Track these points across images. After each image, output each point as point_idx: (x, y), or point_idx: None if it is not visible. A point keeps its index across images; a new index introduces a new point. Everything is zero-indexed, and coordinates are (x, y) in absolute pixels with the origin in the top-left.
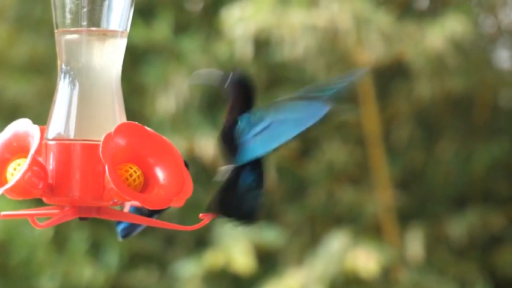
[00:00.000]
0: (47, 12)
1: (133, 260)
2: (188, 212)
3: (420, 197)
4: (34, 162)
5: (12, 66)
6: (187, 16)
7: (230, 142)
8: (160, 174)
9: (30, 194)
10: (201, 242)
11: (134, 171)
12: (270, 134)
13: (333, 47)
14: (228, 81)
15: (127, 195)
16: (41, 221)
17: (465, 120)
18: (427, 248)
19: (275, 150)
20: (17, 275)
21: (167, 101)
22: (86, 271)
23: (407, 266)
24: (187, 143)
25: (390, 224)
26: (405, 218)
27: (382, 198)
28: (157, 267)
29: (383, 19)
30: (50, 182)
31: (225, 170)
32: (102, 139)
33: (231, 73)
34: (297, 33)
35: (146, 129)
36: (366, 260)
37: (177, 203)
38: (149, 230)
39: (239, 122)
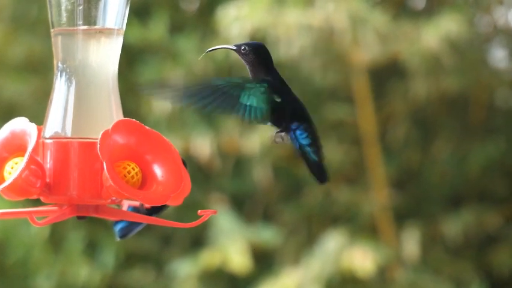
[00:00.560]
0: (43, 12)
1: (129, 260)
2: (184, 212)
3: (416, 196)
4: (31, 160)
5: (8, 66)
6: (183, 16)
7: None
8: (158, 171)
9: (28, 193)
10: (197, 241)
11: (132, 168)
12: None
13: (328, 46)
14: (244, 47)
15: (125, 192)
16: (39, 220)
17: (461, 120)
18: (423, 248)
19: None
20: (13, 275)
21: (163, 100)
22: (83, 271)
23: (403, 265)
24: (183, 142)
25: (386, 223)
26: (401, 217)
27: (378, 197)
28: (154, 266)
29: (378, 19)
30: (48, 180)
31: (278, 134)
32: (99, 136)
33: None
34: (293, 32)
35: (143, 126)
36: (362, 260)
37: (175, 202)
38: (145, 229)
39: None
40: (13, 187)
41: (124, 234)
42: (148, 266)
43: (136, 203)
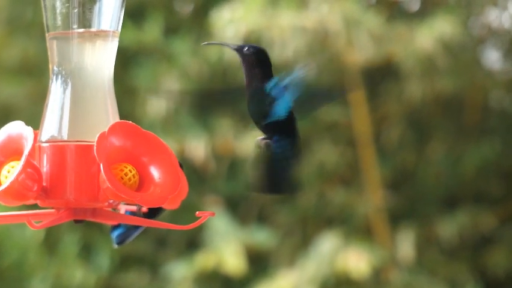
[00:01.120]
0: (38, 15)
1: (124, 262)
2: (180, 214)
3: (411, 197)
4: (28, 164)
5: (3, 69)
6: (178, 18)
7: (261, 98)
8: (155, 172)
9: (25, 197)
10: (192, 243)
11: (129, 170)
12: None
13: (323, 48)
14: (248, 48)
15: (123, 194)
16: (36, 223)
17: (455, 121)
18: (418, 249)
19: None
20: (8, 277)
21: (158, 103)
22: (78, 273)
23: (398, 266)
24: (178, 145)
25: (381, 224)
26: (396, 218)
27: (373, 199)
28: (149, 269)
29: (372, 20)
30: (45, 184)
31: (261, 141)
32: (96, 138)
33: (248, 44)
34: (287, 34)
35: (140, 128)
36: (357, 261)
37: (173, 205)
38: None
39: (270, 80)
40: (10, 191)
41: (121, 240)
42: (143, 268)
43: (133, 208)
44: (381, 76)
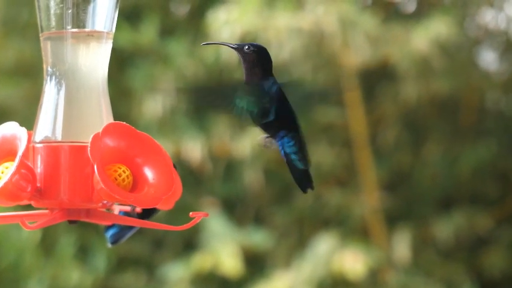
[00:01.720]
0: (33, 16)
1: (121, 263)
2: (175, 215)
3: (407, 199)
4: (22, 165)
5: None
6: (174, 19)
7: (262, 96)
8: (149, 173)
9: (19, 198)
10: (189, 245)
11: (123, 171)
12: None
13: (319, 49)
14: (248, 46)
15: (117, 195)
16: (30, 224)
17: (451, 122)
18: (414, 250)
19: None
20: (5, 279)
21: (154, 104)
22: (74, 274)
23: (394, 267)
24: (174, 146)
25: (377, 226)
26: (392, 220)
27: (369, 200)
28: (145, 270)
29: (368, 22)
30: (39, 185)
31: (266, 139)
32: (90, 139)
33: (248, 43)
34: (283, 36)
35: (134, 129)
36: (353, 262)
37: (166, 205)
38: (136, 233)
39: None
40: (3, 192)
41: (115, 240)
42: (140, 269)
43: (127, 208)
44: (377, 77)
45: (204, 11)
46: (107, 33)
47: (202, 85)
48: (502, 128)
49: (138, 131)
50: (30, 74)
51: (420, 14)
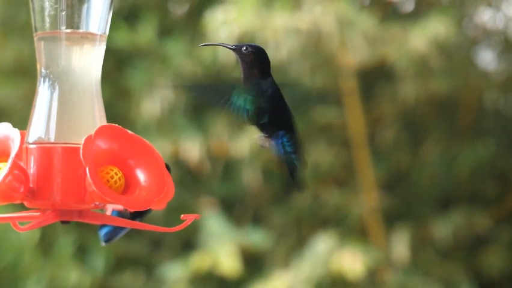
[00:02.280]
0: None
1: (119, 263)
2: (174, 215)
3: (405, 198)
4: (15, 166)
5: None
6: (172, 19)
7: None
8: (141, 175)
9: (11, 198)
10: (187, 244)
11: (115, 173)
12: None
13: (317, 49)
14: (246, 47)
15: (108, 197)
16: (22, 225)
17: (450, 122)
18: (413, 250)
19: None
20: (3, 279)
21: (153, 104)
22: (73, 274)
23: (392, 267)
24: (173, 146)
25: (375, 225)
26: (391, 219)
27: (368, 200)
28: (144, 270)
29: (366, 21)
30: (31, 185)
31: (261, 138)
32: (82, 142)
33: (246, 43)
34: (281, 36)
35: (126, 131)
36: (352, 262)
37: (158, 206)
38: (135, 233)
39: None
40: None
41: (108, 238)
42: (138, 269)
43: (120, 207)
44: (375, 77)
45: (201, 11)
46: (101, 35)
47: (199, 82)
48: (501, 128)
49: (130, 132)
50: (28, 74)
51: (418, 13)
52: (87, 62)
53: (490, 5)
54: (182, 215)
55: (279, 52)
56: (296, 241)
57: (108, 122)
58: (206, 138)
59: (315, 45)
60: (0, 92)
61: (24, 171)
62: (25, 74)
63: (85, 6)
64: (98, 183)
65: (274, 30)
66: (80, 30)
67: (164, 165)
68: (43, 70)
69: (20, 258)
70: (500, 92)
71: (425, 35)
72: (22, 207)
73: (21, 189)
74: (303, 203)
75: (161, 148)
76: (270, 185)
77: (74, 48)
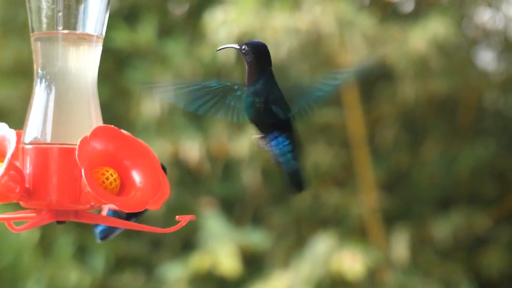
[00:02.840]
0: None
1: (119, 263)
2: (174, 215)
3: (405, 198)
4: (11, 166)
5: None
6: (171, 20)
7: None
8: (136, 177)
9: (7, 198)
10: (187, 245)
11: (110, 174)
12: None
13: (316, 49)
14: (247, 46)
15: (103, 199)
16: (17, 225)
17: (449, 122)
18: (412, 250)
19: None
20: (3, 279)
21: (152, 104)
22: (72, 275)
23: (392, 267)
24: (172, 146)
25: (375, 225)
26: (391, 219)
27: (367, 200)
28: (143, 270)
29: (366, 22)
30: (27, 186)
31: (259, 139)
32: (78, 143)
33: (249, 42)
34: (280, 36)
35: (122, 132)
36: (351, 262)
37: (154, 206)
38: (134, 233)
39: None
40: None
41: (104, 236)
42: (138, 269)
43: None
44: (375, 77)
45: (201, 11)
46: (98, 36)
47: (196, 84)
48: (500, 128)
49: (126, 133)
50: (28, 74)
51: (418, 13)
52: (84, 63)
53: (489, 5)
54: (177, 217)
55: (278, 52)
56: (296, 241)
57: (108, 122)
58: (206, 138)
59: (314, 45)
60: (1, 92)
61: (20, 172)
62: (25, 74)
63: (81, 7)
64: (93, 185)
65: (274, 31)
66: (77, 31)
67: (160, 166)
68: (40, 71)
69: (20, 258)
70: (500, 92)
71: (425, 35)
72: (18, 207)
73: (17, 190)
74: (302, 203)
75: (161, 148)
76: (270, 185)
77: (71, 49)
